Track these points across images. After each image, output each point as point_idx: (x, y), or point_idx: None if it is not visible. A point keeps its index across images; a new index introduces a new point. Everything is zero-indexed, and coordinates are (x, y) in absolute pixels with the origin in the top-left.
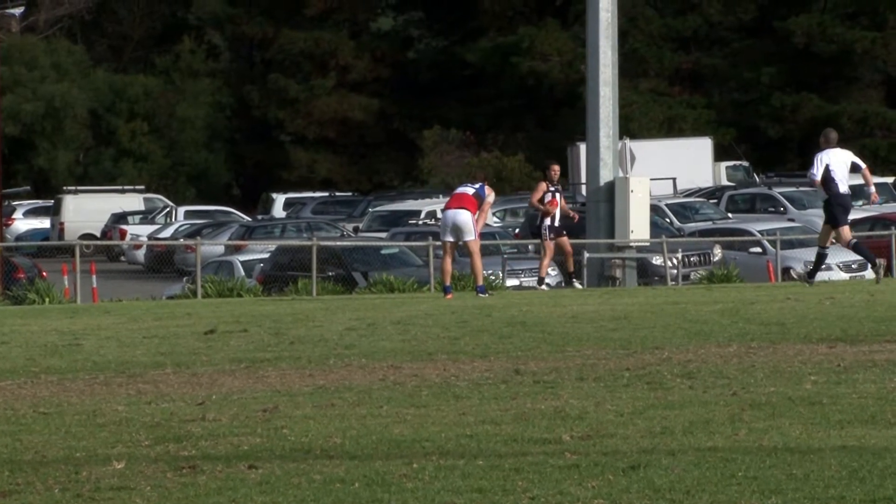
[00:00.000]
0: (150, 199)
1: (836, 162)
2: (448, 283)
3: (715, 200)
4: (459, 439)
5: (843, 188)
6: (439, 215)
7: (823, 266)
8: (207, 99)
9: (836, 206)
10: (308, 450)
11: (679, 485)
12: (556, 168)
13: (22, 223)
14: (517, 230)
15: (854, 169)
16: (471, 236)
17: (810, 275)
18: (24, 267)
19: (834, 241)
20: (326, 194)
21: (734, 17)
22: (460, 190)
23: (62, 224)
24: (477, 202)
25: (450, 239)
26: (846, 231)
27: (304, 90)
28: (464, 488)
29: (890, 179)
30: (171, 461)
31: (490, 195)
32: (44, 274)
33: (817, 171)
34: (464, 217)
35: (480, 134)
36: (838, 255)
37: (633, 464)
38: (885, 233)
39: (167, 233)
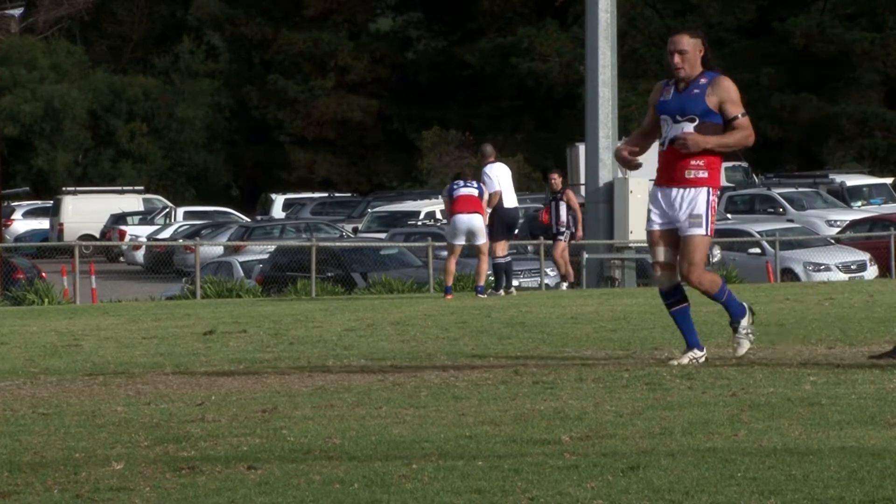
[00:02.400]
0: (149, 200)
1: (503, 177)
2: (450, 283)
3: None
4: (459, 440)
5: (509, 202)
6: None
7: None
8: (206, 100)
9: (499, 220)
10: (307, 450)
11: (678, 485)
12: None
13: (21, 224)
14: (516, 231)
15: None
16: (484, 239)
17: (496, 287)
18: (24, 267)
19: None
20: (325, 195)
21: (733, 17)
22: (465, 192)
23: (61, 225)
24: (481, 202)
25: (461, 243)
26: (503, 246)
27: (304, 91)
28: (463, 489)
29: (889, 180)
30: (171, 462)
31: (486, 192)
32: (43, 275)
33: (494, 187)
34: (479, 221)
35: (479, 135)
36: (837, 256)
37: (633, 464)
38: (885, 233)
39: (166, 233)
